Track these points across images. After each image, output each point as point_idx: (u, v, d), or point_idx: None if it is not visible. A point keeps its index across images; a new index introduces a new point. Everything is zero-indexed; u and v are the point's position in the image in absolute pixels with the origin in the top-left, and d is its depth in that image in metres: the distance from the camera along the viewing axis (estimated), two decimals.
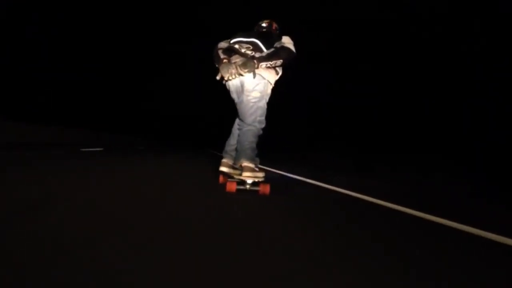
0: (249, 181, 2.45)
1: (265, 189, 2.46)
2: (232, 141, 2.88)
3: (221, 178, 3.00)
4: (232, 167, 2.82)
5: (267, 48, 2.68)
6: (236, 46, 2.73)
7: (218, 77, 2.77)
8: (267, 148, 4.46)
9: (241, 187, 2.46)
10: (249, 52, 2.68)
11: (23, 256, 0.89)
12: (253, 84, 2.65)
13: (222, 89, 2.92)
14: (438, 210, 2.31)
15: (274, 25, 2.92)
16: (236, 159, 2.67)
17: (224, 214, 1.73)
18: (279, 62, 2.65)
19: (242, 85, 2.69)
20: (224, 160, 2.85)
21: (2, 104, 16.69)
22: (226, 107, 3.39)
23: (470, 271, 1.12)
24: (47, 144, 8.65)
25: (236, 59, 2.67)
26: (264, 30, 2.91)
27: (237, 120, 2.89)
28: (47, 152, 5.73)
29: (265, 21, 2.93)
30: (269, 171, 4.76)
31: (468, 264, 1.20)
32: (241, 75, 2.62)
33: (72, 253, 0.93)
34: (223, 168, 2.83)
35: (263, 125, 2.74)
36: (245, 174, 2.48)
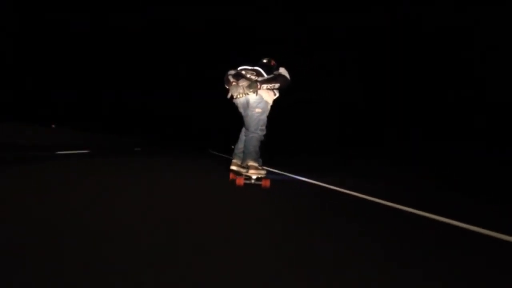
0: (254, 177, 3.20)
1: (266, 183, 3.20)
2: (239, 145, 3.63)
3: (231, 175, 3.74)
4: (240, 166, 3.57)
5: (267, 75, 3.44)
6: (243, 72, 3.50)
7: (228, 96, 3.54)
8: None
9: (248, 181, 3.21)
10: (253, 77, 3.44)
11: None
12: (256, 102, 3.40)
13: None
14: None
15: (273, 62, 3.66)
16: (243, 160, 3.42)
17: (239, 199, 2.49)
18: (276, 85, 3.41)
19: (247, 102, 3.44)
20: (233, 161, 3.61)
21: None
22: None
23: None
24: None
25: (243, 82, 3.43)
26: (265, 63, 3.65)
27: (243, 129, 3.64)
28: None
29: (266, 58, 3.68)
30: (270, 170, 5.46)
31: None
32: (247, 94, 3.39)
33: None
34: (233, 167, 3.59)
35: (264, 133, 3.49)
36: (251, 171, 3.23)
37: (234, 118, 3.99)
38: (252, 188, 3.11)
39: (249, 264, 1.04)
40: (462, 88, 10.70)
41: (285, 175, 5.54)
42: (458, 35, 11.20)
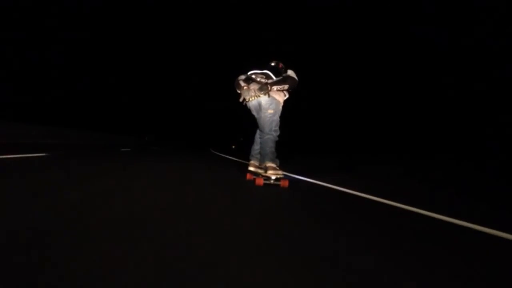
0: (273, 177, 3.30)
1: (285, 183, 3.28)
2: (255, 147, 3.73)
3: (248, 176, 3.84)
4: (258, 167, 3.68)
5: (276, 77, 3.52)
6: (253, 76, 3.58)
7: (240, 100, 3.62)
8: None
9: (267, 182, 3.31)
10: (263, 80, 3.53)
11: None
12: (268, 104, 3.49)
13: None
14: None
15: (281, 64, 3.74)
16: (261, 161, 3.51)
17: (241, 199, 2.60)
18: (286, 86, 3.50)
19: (259, 105, 3.53)
20: (251, 162, 3.71)
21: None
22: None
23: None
24: None
25: (254, 85, 3.52)
26: (273, 66, 3.73)
27: (258, 131, 3.74)
28: None
29: (274, 61, 3.76)
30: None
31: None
32: (258, 96, 3.48)
33: None
34: (251, 168, 3.69)
35: (278, 133, 3.58)
36: (269, 172, 3.32)
37: (234, 119, 4.09)
38: (254, 188, 3.12)
39: (251, 263, 1.08)
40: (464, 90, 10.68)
41: (289, 175, 5.64)
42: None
